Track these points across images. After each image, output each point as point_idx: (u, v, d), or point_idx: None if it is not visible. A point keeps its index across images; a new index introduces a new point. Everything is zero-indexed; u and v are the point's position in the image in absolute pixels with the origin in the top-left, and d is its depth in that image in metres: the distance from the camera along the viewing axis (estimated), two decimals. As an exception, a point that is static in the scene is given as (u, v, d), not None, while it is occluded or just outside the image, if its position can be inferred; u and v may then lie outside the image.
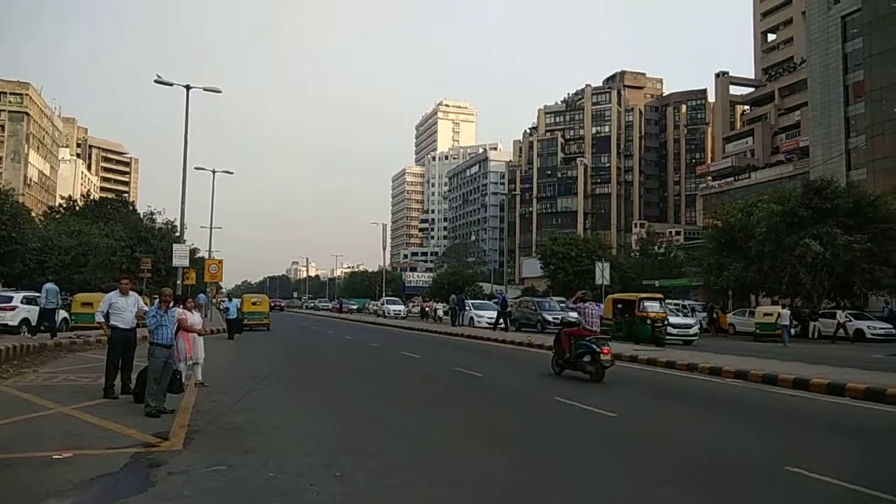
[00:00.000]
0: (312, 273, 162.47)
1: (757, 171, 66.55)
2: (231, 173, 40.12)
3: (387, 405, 8.96)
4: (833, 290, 31.79)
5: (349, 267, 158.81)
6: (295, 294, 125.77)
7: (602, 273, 31.62)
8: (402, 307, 51.90)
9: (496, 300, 33.06)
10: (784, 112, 73.48)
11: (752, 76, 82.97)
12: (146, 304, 11.00)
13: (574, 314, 13.97)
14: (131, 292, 9.10)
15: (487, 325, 29.14)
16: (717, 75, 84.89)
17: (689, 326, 23.33)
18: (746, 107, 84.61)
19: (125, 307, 8.88)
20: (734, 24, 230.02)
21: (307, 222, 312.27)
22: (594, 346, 11.02)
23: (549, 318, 27.56)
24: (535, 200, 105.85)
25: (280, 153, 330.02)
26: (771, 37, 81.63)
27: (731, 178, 69.42)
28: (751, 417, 8.27)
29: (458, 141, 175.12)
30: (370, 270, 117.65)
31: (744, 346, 21.34)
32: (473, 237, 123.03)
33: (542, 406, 9.01)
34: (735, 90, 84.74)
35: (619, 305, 21.60)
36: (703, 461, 5.86)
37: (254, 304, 28.68)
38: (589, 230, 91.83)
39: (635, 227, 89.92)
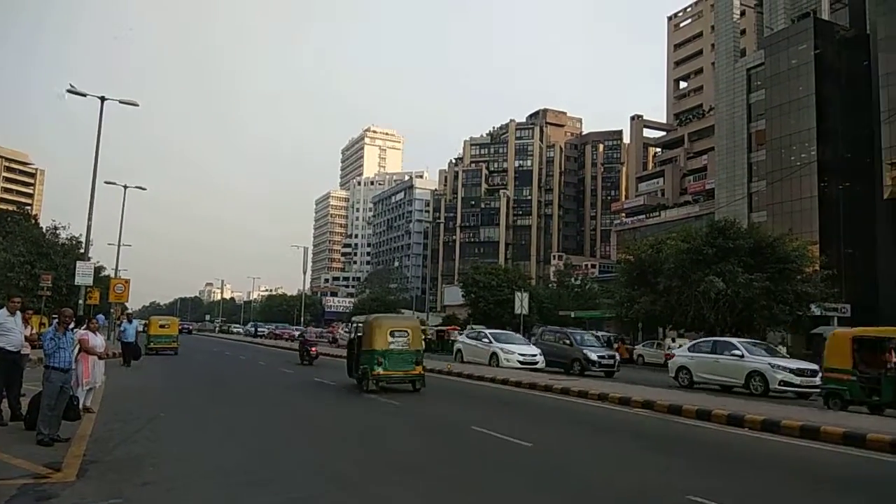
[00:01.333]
0: (227, 295, 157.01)
1: (667, 210, 70.09)
2: (144, 189, 38.54)
3: (298, 435, 8.72)
4: (735, 326, 33.65)
5: (267, 290, 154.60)
6: (208, 317, 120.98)
7: (521, 303, 32.24)
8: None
9: None
10: (693, 156, 78.02)
11: (665, 121, 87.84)
12: (44, 324, 10.30)
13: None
14: (18, 312, 8.47)
15: (520, 367, 21.50)
16: (632, 118, 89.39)
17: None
18: (658, 149, 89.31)
19: (13, 327, 8.26)
20: (651, 70, 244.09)
21: (223, 243, 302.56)
22: None
23: (594, 356, 22.63)
24: (458, 229, 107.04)
25: (198, 171, 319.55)
26: (683, 84, 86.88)
27: (643, 216, 72.78)
28: (660, 446, 8.57)
29: (384, 167, 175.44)
30: (289, 294, 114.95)
31: (648, 378, 22.17)
32: (397, 263, 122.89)
33: (457, 435, 9.01)
34: (648, 133, 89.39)
35: (863, 346, 13.05)
36: (609, 492, 6.02)
37: (161, 326, 27.34)
38: (510, 260, 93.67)
39: (554, 258, 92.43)
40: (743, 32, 61.94)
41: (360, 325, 15.18)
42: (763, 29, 56.65)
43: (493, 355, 22.83)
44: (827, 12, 50.67)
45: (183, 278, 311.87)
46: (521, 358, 22.10)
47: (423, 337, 22.27)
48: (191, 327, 76.20)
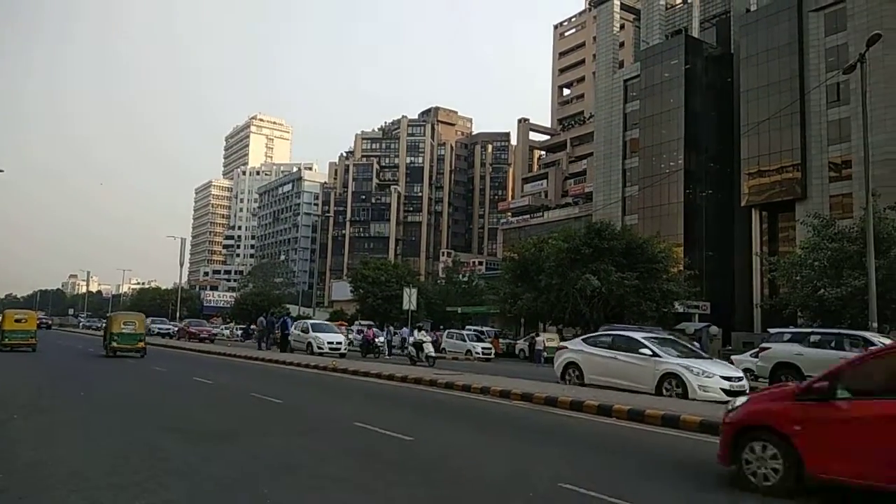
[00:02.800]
0: (94, 288, 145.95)
1: (549, 211, 73.08)
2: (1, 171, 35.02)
3: (170, 436, 8.29)
4: (607, 321, 35.71)
5: (139, 283, 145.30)
6: (71, 311, 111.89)
7: (409, 299, 32.43)
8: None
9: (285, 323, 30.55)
10: (574, 160, 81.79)
11: (550, 125, 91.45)
12: None
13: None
14: None
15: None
16: (519, 121, 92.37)
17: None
18: (543, 152, 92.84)
19: None
20: (540, 76, 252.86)
21: (92, 232, 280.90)
22: None
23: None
24: (348, 224, 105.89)
25: (64, 150, 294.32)
26: (567, 91, 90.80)
27: (528, 216, 75.46)
28: (536, 437, 8.95)
29: (271, 157, 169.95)
30: (164, 288, 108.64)
31: (529, 371, 23.09)
32: (283, 257, 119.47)
33: (340, 432, 8.94)
34: (534, 136, 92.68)
35: None
36: (479, 483, 6.22)
37: (18, 321, 24.98)
38: (400, 256, 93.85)
39: (443, 255, 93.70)
40: (622, 45, 65.74)
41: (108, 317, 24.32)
42: (640, 43, 60.40)
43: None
44: (697, 30, 54.86)
45: (44, 269, 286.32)
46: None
47: None
48: (49, 321, 70.43)
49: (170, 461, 6.65)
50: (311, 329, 28.15)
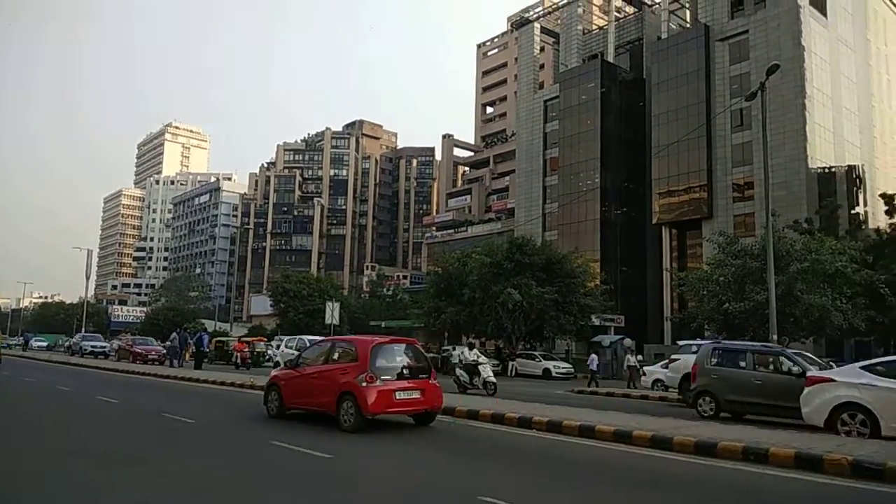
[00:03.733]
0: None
1: (473, 226, 74.04)
2: None
3: (75, 458, 7.79)
4: (528, 334, 36.42)
5: (41, 297, 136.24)
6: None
7: (332, 313, 31.90)
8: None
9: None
10: (497, 176, 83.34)
11: (474, 142, 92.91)
12: None
13: None
14: None
15: None
16: (444, 137, 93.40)
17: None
18: (467, 168, 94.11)
19: None
20: (465, 93, 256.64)
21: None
22: None
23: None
24: (269, 236, 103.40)
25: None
26: (490, 109, 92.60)
27: (452, 231, 76.14)
28: (459, 450, 8.97)
29: (187, 167, 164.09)
30: (68, 302, 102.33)
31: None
32: (199, 270, 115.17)
33: (255, 451, 8.67)
34: (458, 152, 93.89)
35: None
36: (397, 498, 6.18)
37: None
38: (323, 270, 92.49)
39: (367, 269, 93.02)
40: (542, 67, 67.80)
41: None
42: (559, 65, 62.48)
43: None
44: (612, 56, 57.29)
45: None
46: None
47: None
48: None
49: (75, 484, 6.24)
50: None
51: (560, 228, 54.74)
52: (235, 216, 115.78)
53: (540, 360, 33.04)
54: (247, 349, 32.06)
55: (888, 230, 34.15)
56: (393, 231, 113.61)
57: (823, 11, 46.58)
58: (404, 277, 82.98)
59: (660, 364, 22.36)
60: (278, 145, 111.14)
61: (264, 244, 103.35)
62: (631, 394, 20.95)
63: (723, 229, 34.44)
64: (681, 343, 20.35)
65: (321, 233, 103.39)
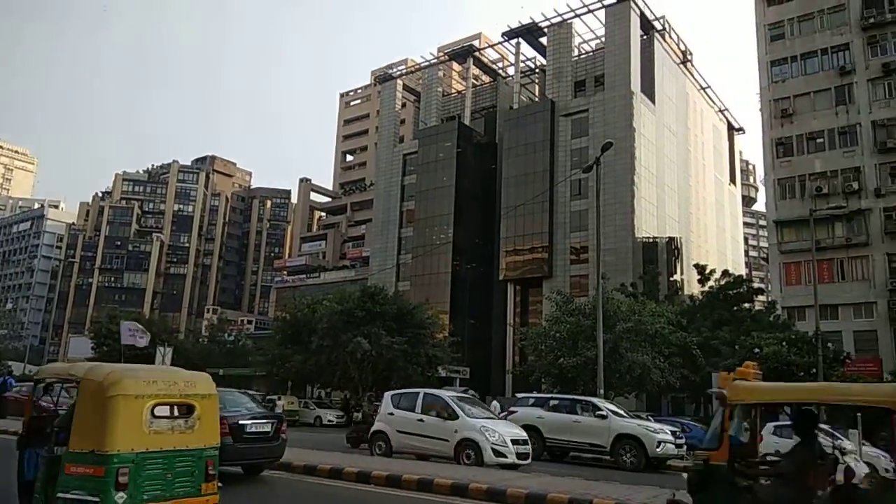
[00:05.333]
0: None
1: (326, 272, 72.99)
2: None
3: None
4: (375, 385, 36.14)
5: None
6: None
7: (163, 358, 29.61)
8: None
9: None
10: (353, 224, 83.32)
11: (332, 188, 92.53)
12: None
13: None
14: None
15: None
16: (301, 180, 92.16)
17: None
18: (324, 213, 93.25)
19: None
20: (326, 139, 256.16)
21: None
22: None
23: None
24: (97, 272, 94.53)
25: None
26: (350, 157, 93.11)
27: (304, 276, 74.47)
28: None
29: (7, 189, 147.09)
30: None
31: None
32: (10, 305, 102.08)
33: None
34: (316, 197, 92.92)
35: None
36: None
37: None
38: (157, 311, 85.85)
39: (208, 312, 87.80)
40: (403, 121, 69.76)
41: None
42: (419, 122, 64.66)
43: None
44: (469, 119, 60.35)
45: None
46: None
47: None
48: None
49: None
50: None
51: (413, 279, 55.56)
52: (59, 247, 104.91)
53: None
54: None
55: (700, 297, 38.50)
56: (240, 273, 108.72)
57: (652, 99, 52.62)
58: (249, 322, 79.31)
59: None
60: (117, 174, 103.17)
61: (91, 280, 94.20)
62: None
63: (560, 288, 36.84)
64: (519, 396, 21.26)
65: (158, 271, 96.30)
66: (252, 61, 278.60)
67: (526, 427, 17.32)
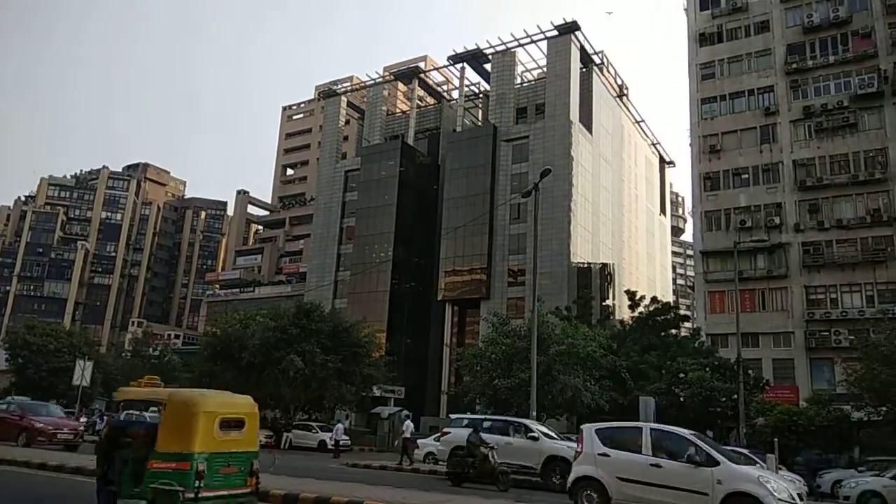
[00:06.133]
0: None
1: (261, 287, 71.39)
2: None
3: None
4: (307, 404, 35.43)
5: None
6: None
7: (82, 372, 28.22)
8: None
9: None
10: (291, 239, 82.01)
11: (270, 201, 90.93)
12: None
13: None
14: None
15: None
16: (239, 192, 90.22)
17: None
18: (261, 227, 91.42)
19: None
20: (266, 152, 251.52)
21: None
22: None
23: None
24: (15, 279, 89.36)
25: None
26: (290, 171, 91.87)
27: (238, 290, 72.61)
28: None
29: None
30: None
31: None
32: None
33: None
34: (253, 210, 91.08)
35: None
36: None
37: None
38: (78, 322, 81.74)
39: (133, 325, 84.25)
40: (346, 138, 69.51)
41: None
42: (362, 139, 64.56)
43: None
44: (412, 139, 60.66)
45: None
46: None
47: None
48: None
49: None
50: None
51: (350, 297, 55.00)
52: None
53: (317, 432, 32.14)
54: None
55: (630, 322, 39.64)
56: (169, 286, 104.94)
57: (590, 129, 54.33)
58: (176, 337, 76.60)
59: (433, 437, 23.05)
60: (42, 178, 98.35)
61: (8, 288, 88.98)
62: (403, 467, 21.22)
63: (498, 310, 37.23)
64: (453, 417, 21.27)
65: (82, 280, 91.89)
66: (191, 67, 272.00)
67: (458, 448, 17.41)
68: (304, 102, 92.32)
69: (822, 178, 39.49)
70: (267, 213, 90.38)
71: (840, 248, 38.45)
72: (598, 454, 10.90)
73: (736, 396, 27.54)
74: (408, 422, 24.41)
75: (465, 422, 19.02)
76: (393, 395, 42.82)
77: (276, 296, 63.48)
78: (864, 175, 38.25)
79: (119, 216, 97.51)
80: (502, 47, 55.70)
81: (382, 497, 10.29)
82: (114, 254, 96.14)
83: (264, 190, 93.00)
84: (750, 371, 31.75)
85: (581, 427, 11.77)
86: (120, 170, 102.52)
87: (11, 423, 19.27)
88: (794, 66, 41.88)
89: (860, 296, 37.59)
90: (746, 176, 42.34)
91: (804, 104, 41.16)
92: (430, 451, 21.50)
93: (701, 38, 45.85)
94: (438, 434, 20.42)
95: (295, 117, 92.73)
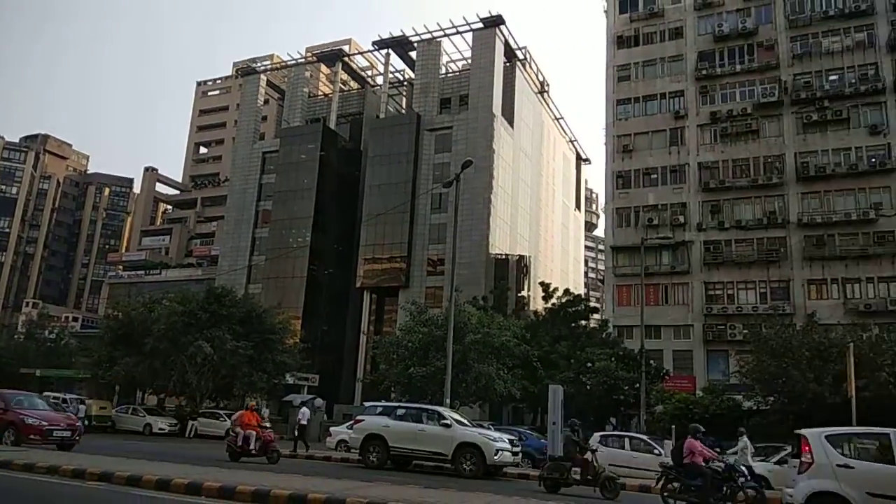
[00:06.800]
0: None
1: (169, 270, 68.38)
2: None
3: None
4: (216, 391, 34.32)
5: None
6: None
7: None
8: None
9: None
10: (203, 220, 78.93)
11: (181, 180, 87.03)
12: None
13: None
14: None
15: None
16: (146, 169, 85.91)
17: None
18: (170, 206, 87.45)
19: None
20: (179, 127, 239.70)
21: None
22: None
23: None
24: None
25: None
26: (204, 150, 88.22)
27: (143, 272, 69.26)
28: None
29: None
30: None
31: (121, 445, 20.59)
32: None
33: None
34: (162, 188, 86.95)
35: None
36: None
37: None
38: (-37, 303, 75.68)
39: (27, 305, 78.80)
40: (265, 118, 67.41)
41: None
42: (282, 121, 62.82)
43: None
44: (334, 123, 59.57)
45: None
46: None
47: None
48: None
49: None
50: None
51: (265, 282, 53.58)
52: None
53: (225, 420, 31.13)
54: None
55: (543, 313, 40.75)
56: (68, 265, 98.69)
57: (511, 123, 55.16)
58: (75, 319, 72.25)
59: (346, 425, 22.89)
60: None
61: None
62: (298, 454, 20.93)
63: (416, 299, 37.30)
64: (367, 405, 21.20)
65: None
66: (105, 38, 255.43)
67: (371, 436, 17.38)
68: (220, 79, 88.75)
69: (725, 181, 41.87)
70: (177, 192, 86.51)
71: (738, 247, 40.96)
72: (838, 465, 9.42)
73: (638, 385, 28.88)
74: (304, 409, 24.13)
75: (379, 409, 18.99)
76: (307, 383, 42.08)
77: (184, 279, 60.91)
78: (763, 179, 40.84)
79: (14, 190, 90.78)
80: (428, 36, 55.56)
81: (291, 485, 10.11)
82: (8, 230, 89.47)
83: (175, 169, 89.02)
84: (652, 361, 33.38)
85: (802, 433, 10.17)
86: (17, 140, 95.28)
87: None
88: (704, 72, 44.05)
89: (754, 292, 40.22)
90: (655, 176, 44.29)
91: (711, 109, 43.42)
92: (343, 439, 21.35)
93: (619, 41, 47.42)
94: (352, 422, 20.29)
95: (210, 94, 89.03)
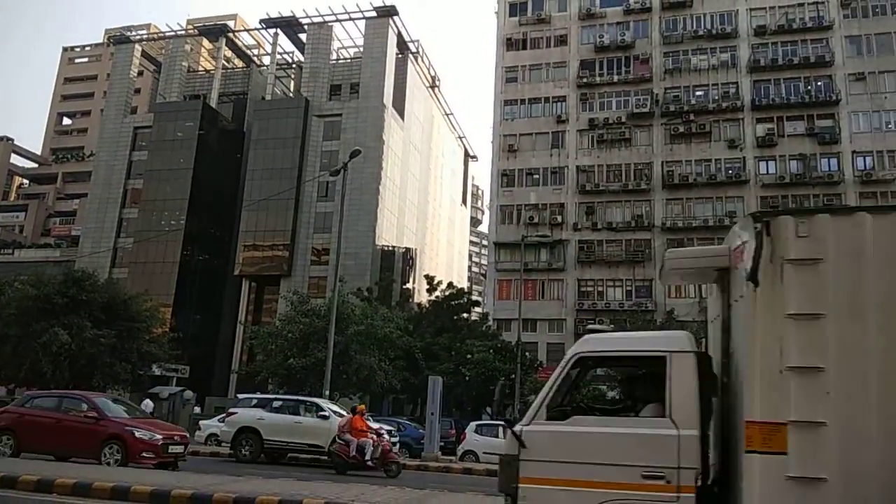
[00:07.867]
0: None
1: (23, 250, 62.31)
2: None
3: None
4: (73, 382, 31.74)
5: None
6: None
7: None
8: None
9: None
10: (64, 197, 72.64)
11: (40, 152, 79.45)
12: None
13: None
14: None
15: None
16: (0, 139, 77.52)
17: None
18: (26, 181, 79.73)
19: None
20: (40, 95, 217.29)
21: None
22: None
23: None
24: None
25: None
26: (67, 121, 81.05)
27: (-8, 251, 62.62)
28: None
29: None
30: None
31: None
32: None
33: None
34: (18, 160, 78.96)
35: None
36: None
37: None
38: None
39: None
40: (138, 91, 63.00)
41: None
42: (157, 95, 59.02)
43: None
44: (215, 101, 56.75)
45: None
46: None
47: None
48: None
49: None
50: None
51: (132, 267, 50.20)
52: None
53: (83, 413, 28.99)
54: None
55: (427, 305, 41.23)
56: None
57: (402, 115, 55.18)
58: None
59: (218, 418, 22.04)
60: None
61: None
62: None
63: (299, 288, 36.56)
64: (241, 397, 20.54)
65: None
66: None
67: (245, 429, 16.85)
68: (90, 46, 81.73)
69: (599, 185, 44.38)
70: (35, 165, 78.86)
71: (608, 247, 43.59)
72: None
73: (514, 376, 30.01)
74: (146, 400, 23.20)
75: (254, 401, 18.47)
76: (176, 375, 40.02)
77: (41, 260, 55.57)
78: (633, 185, 43.70)
79: None
80: (319, 19, 54.30)
81: (153, 481, 9.60)
82: None
83: (34, 140, 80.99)
84: (527, 353, 34.83)
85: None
86: None
87: (85, 429, 12.43)
88: (585, 80, 46.35)
89: (621, 290, 43.01)
90: (538, 176, 46.13)
91: (590, 116, 45.80)
92: (214, 433, 20.53)
93: (508, 43, 48.81)
94: (223, 415, 19.57)
95: (78, 61, 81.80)
